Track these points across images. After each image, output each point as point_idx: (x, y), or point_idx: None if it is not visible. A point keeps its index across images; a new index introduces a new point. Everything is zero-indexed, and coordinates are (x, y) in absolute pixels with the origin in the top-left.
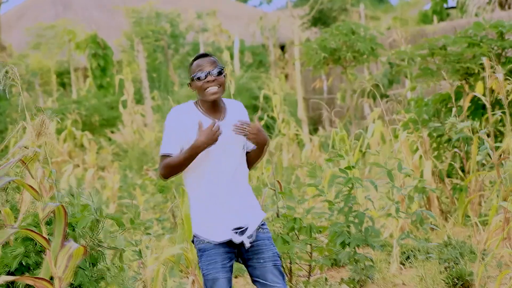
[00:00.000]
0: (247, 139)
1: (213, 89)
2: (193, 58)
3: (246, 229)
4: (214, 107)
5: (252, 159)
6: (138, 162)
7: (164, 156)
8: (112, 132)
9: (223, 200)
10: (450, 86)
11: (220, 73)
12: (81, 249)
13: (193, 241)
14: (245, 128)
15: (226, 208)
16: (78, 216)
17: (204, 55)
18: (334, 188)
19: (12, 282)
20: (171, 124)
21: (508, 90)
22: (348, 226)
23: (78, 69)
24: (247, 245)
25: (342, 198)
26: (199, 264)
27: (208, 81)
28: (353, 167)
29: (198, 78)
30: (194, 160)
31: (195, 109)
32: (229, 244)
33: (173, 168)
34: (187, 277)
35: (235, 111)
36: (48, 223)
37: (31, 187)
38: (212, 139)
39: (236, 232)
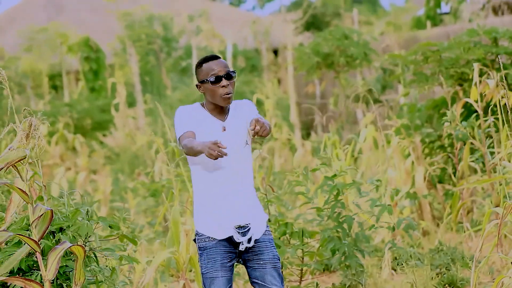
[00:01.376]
0: (259, 135)
1: (226, 95)
2: (200, 60)
3: (249, 229)
4: (219, 108)
5: None
6: (130, 165)
7: (182, 137)
8: (104, 135)
9: (226, 197)
10: (446, 92)
11: (232, 76)
12: (80, 248)
13: (195, 240)
14: (254, 129)
15: (229, 205)
16: (69, 219)
17: (215, 57)
18: (325, 194)
19: (5, 283)
20: (180, 114)
21: (501, 96)
22: (338, 232)
23: (70, 72)
24: (243, 246)
25: (329, 204)
26: (199, 262)
27: (222, 86)
28: (335, 175)
29: (211, 82)
30: (199, 158)
31: (202, 109)
32: (230, 243)
33: (189, 150)
34: (178, 281)
35: (238, 110)
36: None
37: (21, 189)
38: (207, 151)
39: (238, 232)
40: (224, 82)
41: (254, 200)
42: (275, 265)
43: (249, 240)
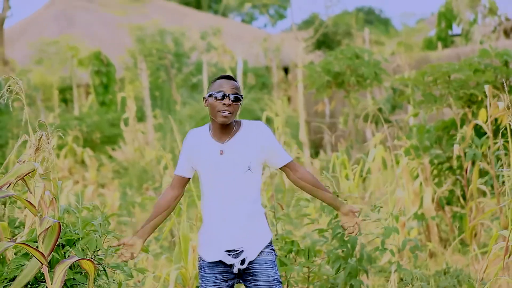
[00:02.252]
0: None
1: (225, 113)
2: (216, 77)
3: (241, 252)
4: (222, 129)
5: (301, 184)
6: (138, 180)
7: (173, 177)
8: (113, 149)
9: (218, 221)
10: (454, 113)
11: (237, 99)
12: (90, 264)
13: None
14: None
15: (220, 229)
16: (79, 232)
17: (229, 77)
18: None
19: None
20: (183, 147)
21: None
22: (343, 251)
23: (81, 86)
24: (235, 268)
25: (333, 225)
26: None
27: (223, 104)
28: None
29: (215, 98)
30: (201, 182)
31: (207, 130)
32: (223, 263)
33: None
34: None
35: (246, 133)
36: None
37: (29, 202)
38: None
39: (230, 254)
40: (227, 101)
41: (252, 224)
42: (270, 286)
43: (242, 262)
